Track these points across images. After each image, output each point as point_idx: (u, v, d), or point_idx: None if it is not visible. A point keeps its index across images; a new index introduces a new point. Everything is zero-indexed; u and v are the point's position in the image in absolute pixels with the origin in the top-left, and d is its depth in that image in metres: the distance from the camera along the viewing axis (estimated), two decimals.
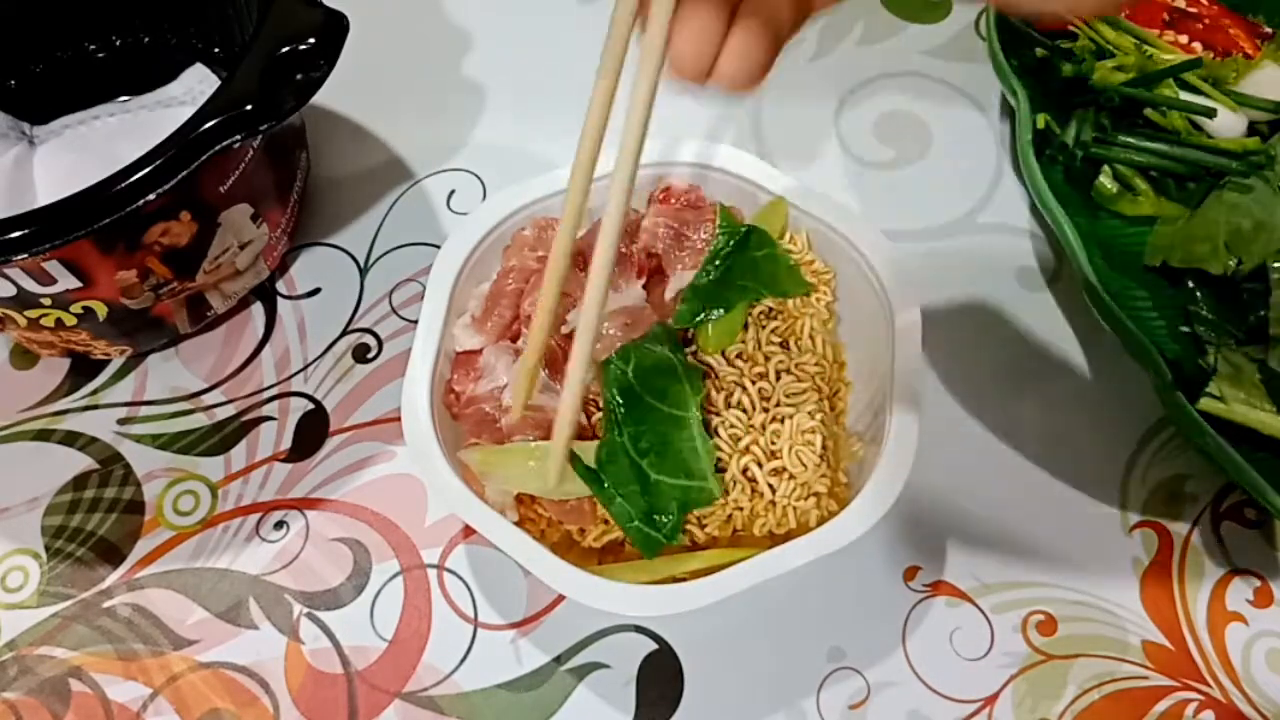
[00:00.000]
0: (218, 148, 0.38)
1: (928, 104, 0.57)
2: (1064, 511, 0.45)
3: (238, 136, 0.39)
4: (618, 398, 0.37)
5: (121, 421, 0.47)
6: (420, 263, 0.51)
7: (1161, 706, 0.41)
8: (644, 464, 0.36)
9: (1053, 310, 0.50)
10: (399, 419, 0.38)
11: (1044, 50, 0.55)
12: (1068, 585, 0.43)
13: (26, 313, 0.42)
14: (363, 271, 0.51)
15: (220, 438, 0.47)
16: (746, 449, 0.39)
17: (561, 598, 0.43)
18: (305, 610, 0.42)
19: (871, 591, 0.43)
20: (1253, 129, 0.51)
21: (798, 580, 0.39)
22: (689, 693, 0.41)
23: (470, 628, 0.42)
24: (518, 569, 0.42)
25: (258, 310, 0.50)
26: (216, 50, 0.54)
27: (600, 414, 0.39)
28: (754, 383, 0.40)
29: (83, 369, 0.49)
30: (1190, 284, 0.47)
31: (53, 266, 0.39)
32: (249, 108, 0.39)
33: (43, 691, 0.41)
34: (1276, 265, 0.44)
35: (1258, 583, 0.43)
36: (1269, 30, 0.55)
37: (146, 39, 0.55)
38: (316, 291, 0.51)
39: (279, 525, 0.44)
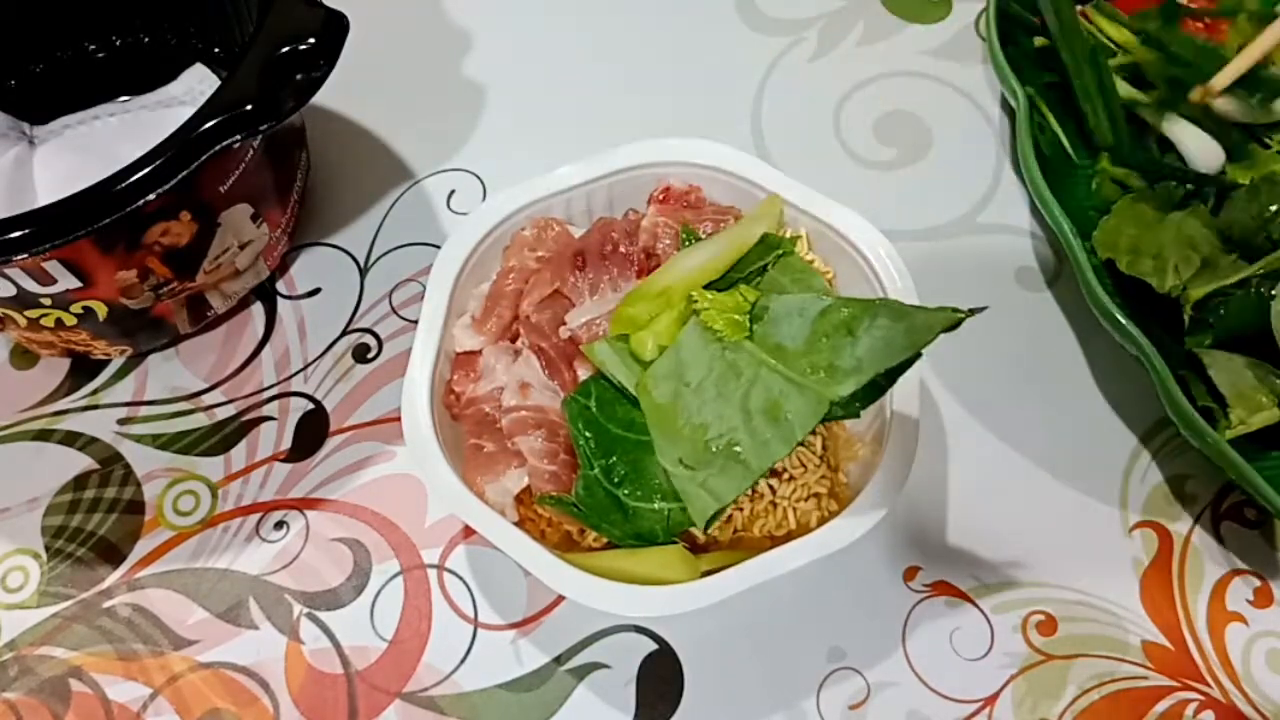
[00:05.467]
0: (218, 148, 0.38)
1: (928, 104, 0.57)
2: (1064, 511, 0.45)
3: (238, 136, 0.39)
4: (585, 432, 0.36)
5: (121, 421, 0.47)
6: (420, 263, 0.51)
7: (1161, 706, 0.41)
8: (620, 494, 0.36)
9: (1053, 310, 0.50)
10: (399, 419, 0.38)
11: (1044, 40, 0.55)
12: (1068, 585, 0.43)
13: (26, 313, 0.42)
14: (363, 271, 0.51)
15: (220, 438, 0.47)
16: None
17: (561, 598, 0.43)
18: (305, 610, 0.42)
19: (871, 591, 0.43)
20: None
21: (798, 580, 0.39)
22: (689, 693, 0.41)
23: (470, 628, 0.42)
24: (518, 569, 0.42)
25: (258, 310, 0.50)
26: (216, 50, 0.54)
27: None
28: None
29: (83, 369, 0.49)
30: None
31: (53, 266, 0.39)
32: (249, 108, 0.39)
33: (43, 691, 0.41)
34: None
35: (1258, 583, 0.43)
36: None
37: (146, 39, 0.55)
38: (316, 291, 0.51)
39: (279, 525, 0.44)
